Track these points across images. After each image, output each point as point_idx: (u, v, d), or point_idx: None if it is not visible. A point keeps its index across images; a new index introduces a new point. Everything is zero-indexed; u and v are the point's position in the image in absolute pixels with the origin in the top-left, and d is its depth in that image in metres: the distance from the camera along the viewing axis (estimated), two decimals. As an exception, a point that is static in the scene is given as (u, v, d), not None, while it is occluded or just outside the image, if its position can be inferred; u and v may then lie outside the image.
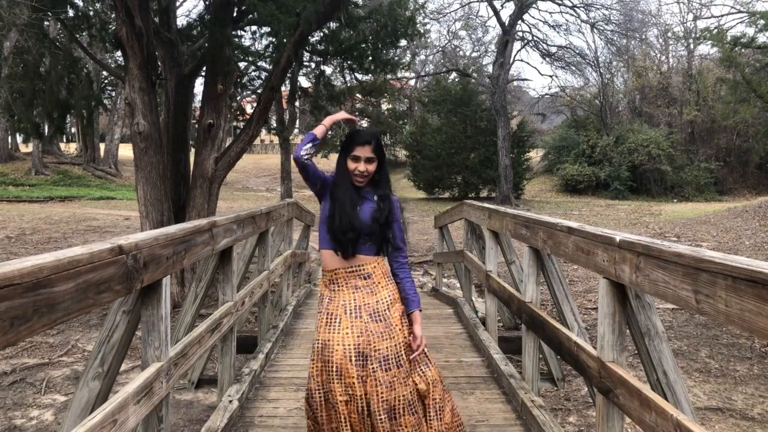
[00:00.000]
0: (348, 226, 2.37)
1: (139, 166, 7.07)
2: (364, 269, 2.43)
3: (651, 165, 26.17)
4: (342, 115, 2.64)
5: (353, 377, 2.27)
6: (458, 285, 7.81)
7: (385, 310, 2.39)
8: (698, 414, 4.28)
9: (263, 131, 14.53)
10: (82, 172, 28.04)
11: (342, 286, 2.43)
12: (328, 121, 2.56)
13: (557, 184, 28.39)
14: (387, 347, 2.32)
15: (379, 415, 2.25)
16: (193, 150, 8.26)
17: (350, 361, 2.29)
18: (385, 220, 2.43)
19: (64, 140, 35.33)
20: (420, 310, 2.51)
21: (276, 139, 30.23)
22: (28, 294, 1.42)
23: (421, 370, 2.44)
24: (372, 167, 2.43)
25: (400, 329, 2.39)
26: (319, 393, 2.35)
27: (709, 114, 27.62)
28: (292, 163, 25.10)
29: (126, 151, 24.63)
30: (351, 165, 2.42)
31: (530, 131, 28.58)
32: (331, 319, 2.39)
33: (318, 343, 2.38)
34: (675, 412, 1.86)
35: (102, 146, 30.65)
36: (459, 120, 25.72)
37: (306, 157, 2.41)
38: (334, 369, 2.30)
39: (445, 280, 9.22)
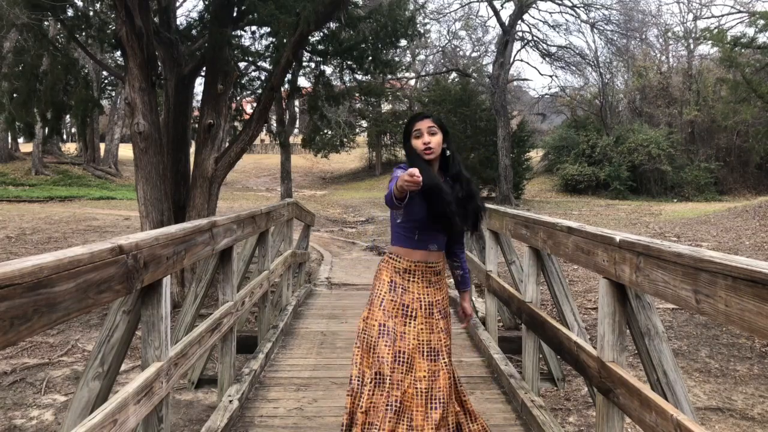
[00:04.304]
0: (444, 197, 2.32)
1: (139, 166, 7.07)
2: (438, 266, 2.52)
3: (651, 165, 26.18)
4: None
5: (424, 371, 2.34)
6: (458, 285, 7.80)
7: (446, 307, 2.54)
8: (698, 414, 4.28)
9: (263, 131, 14.54)
10: (82, 172, 28.05)
11: (418, 278, 2.46)
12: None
13: (557, 184, 28.39)
14: (449, 340, 2.50)
15: (451, 402, 2.38)
16: (193, 150, 8.26)
17: (422, 355, 2.36)
18: (466, 199, 2.43)
19: (64, 140, 35.29)
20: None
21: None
22: (29, 294, 1.42)
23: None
24: (437, 139, 2.41)
25: (450, 325, 2.58)
26: (369, 377, 2.34)
27: (709, 114, 27.62)
28: (292, 162, 24.84)
29: (126, 151, 24.64)
30: (415, 142, 2.42)
31: (530, 131, 28.58)
32: (407, 311, 2.42)
33: (392, 331, 2.37)
34: (675, 412, 1.86)
35: (102, 146, 30.66)
36: (459, 120, 25.71)
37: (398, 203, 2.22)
38: (407, 359, 2.35)
39: (445, 280, 9.21)
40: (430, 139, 2.40)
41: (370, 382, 2.32)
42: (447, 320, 2.51)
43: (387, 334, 2.36)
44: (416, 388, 2.32)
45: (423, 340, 2.39)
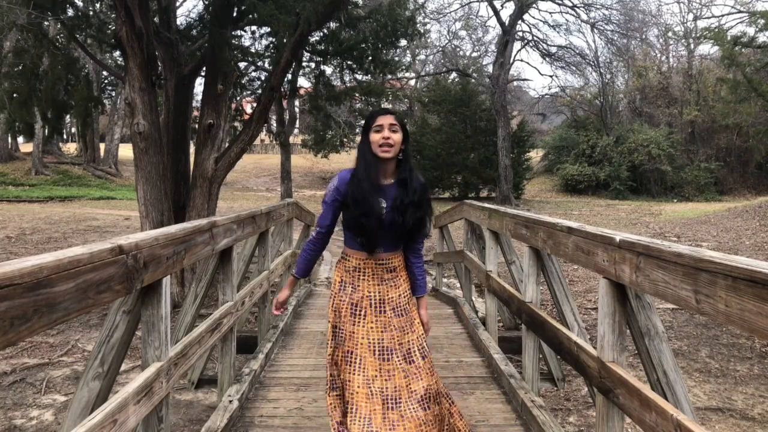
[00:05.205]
0: (369, 211, 2.26)
1: (139, 166, 7.07)
2: (390, 263, 2.42)
3: (651, 165, 26.21)
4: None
5: (376, 370, 2.26)
6: (458, 285, 7.81)
7: (405, 304, 2.42)
8: (698, 414, 4.28)
9: (263, 131, 14.54)
10: (82, 172, 28.04)
11: (368, 275, 2.39)
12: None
13: (557, 184, 28.42)
14: (409, 340, 2.36)
15: (411, 404, 2.24)
16: (193, 150, 8.26)
17: (374, 354, 2.28)
18: (409, 206, 2.32)
19: (64, 140, 35.27)
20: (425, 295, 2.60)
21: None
22: (29, 294, 1.41)
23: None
24: (397, 137, 2.29)
25: (418, 323, 2.44)
26: (337, 375, 2.36)
27: (709, 114, 27.65)
28: (292, 162, 24.83)
29: (126, 151, 24.62)
30: (374, 136, 2.28)
31: (530, 131, 28.62)
32: (356, 310, 2.36)
33: (341, 332, 2.36)
34: (675, 412, 1.86)
35: (102, 146, 30.66)
36: (459, 120, 25.74)
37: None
38: (358, 360, 2.29)
39: (445, 280, 9.22)
40: (390, 135, 2.27)
41: (327, 385, 2.34)
42: (403, 319, 2.37)
43: (336, 336, 2.36)
44: (370, 388, 2.23)
45: (373, 339, 2.29)
